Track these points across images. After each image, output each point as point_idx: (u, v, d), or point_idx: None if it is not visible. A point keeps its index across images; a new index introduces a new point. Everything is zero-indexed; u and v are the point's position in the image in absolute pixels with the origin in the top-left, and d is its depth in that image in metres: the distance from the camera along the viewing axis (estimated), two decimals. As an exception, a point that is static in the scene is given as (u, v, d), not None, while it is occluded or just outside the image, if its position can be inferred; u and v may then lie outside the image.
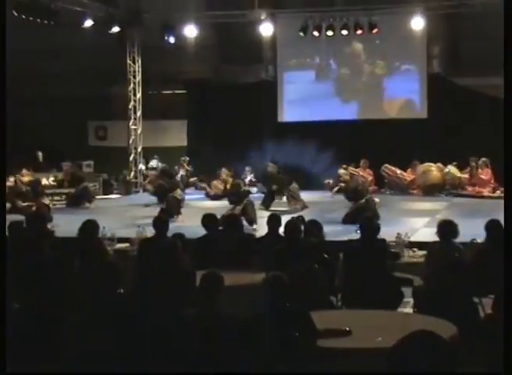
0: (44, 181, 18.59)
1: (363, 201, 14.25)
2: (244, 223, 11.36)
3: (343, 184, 18.30)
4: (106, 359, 5.04)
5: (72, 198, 17.85)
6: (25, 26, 18.46)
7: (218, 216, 9.88)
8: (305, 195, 16.83)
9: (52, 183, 18.81)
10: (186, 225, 12.77)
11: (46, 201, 16.56)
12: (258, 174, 19.50)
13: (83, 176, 18.59)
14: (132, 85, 21.89)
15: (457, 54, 21.10)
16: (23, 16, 17.37)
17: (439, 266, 7.16)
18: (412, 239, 10.25)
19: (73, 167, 18.82)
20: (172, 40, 20.30)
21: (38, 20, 17.72)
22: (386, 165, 19.71)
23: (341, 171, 19.35)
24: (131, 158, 22.15)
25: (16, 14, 17.25)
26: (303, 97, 21.28)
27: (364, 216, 9.01)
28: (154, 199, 16.95)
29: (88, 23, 19.25)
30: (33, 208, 14.52)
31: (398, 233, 10.10)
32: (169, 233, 9.18)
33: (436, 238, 8.71)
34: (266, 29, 20.08)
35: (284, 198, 16.42)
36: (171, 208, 14.92)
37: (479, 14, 18.84)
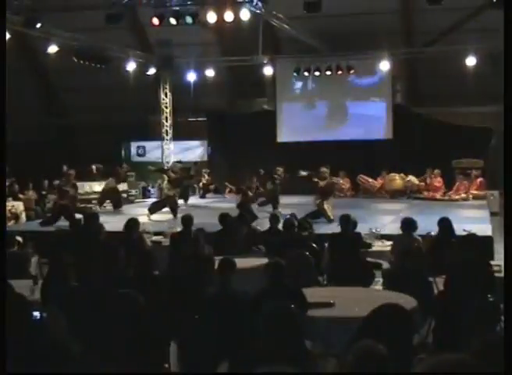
0: (97, 188, 18.55)
1: None
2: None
3: None
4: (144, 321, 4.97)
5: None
6: (84, 70, 18.52)
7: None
8: (296, 199, 16.78)
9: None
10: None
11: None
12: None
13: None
14: (165, 114, 21.92)
15: (416, 89, 21.07)
16: (81, 61, 17.43)
17: (402, 253, 7.15)
18: (381, 232, 10.20)
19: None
20: (195, 79, 20.44)
21: (93, 64, 17.79)
22: (361, 175, 19.71)
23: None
24: (164, 170, 22.18)
25: (75, 60, 17.31)
26: (296, 122, 21.26)
27: (344, 215, 8.94)
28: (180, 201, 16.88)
29: (131, 66, 19.32)
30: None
31: (370, 228, 10.08)
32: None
33: (400, 231, 8.70)
34: (268, 70, 20.15)
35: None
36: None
37: (433, 58, 18.85)
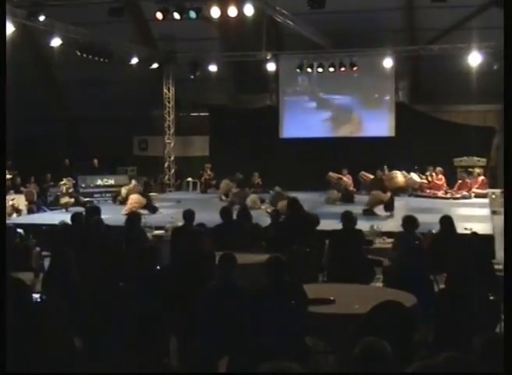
0: (99, 182, 18.56)
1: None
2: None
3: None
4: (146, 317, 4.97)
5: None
6: (87, 63, 18.48)
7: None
8: (297, 195, 16.69)
9: (105, 183, 18.75)
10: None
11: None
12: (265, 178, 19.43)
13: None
14: (167, 109, 21.90)
15: (418, 87, 21.04)
16: (84, 55, 17.40)
17: (403, 251, 7.13)
18: (382, 229, 10.17)
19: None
20: (197, 74, 20.41)
21: (96, 58, 17.76)
22: (363, 172, 19.65)
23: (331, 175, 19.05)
24: (166, 165, 22.14)
25: (79, 53, 17.29)
26: (299, 119, 21.25)
27: (345, 211, 8.90)
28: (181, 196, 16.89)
29: (134, 60, 19.29)
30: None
31: (371, 225, 10.06)
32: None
33: (401, 229, 8.68)
34: (271, 66, 20.16)
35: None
36: None
37: (435, 56, 18.84)
